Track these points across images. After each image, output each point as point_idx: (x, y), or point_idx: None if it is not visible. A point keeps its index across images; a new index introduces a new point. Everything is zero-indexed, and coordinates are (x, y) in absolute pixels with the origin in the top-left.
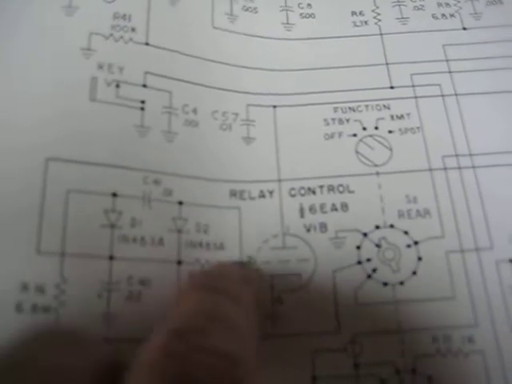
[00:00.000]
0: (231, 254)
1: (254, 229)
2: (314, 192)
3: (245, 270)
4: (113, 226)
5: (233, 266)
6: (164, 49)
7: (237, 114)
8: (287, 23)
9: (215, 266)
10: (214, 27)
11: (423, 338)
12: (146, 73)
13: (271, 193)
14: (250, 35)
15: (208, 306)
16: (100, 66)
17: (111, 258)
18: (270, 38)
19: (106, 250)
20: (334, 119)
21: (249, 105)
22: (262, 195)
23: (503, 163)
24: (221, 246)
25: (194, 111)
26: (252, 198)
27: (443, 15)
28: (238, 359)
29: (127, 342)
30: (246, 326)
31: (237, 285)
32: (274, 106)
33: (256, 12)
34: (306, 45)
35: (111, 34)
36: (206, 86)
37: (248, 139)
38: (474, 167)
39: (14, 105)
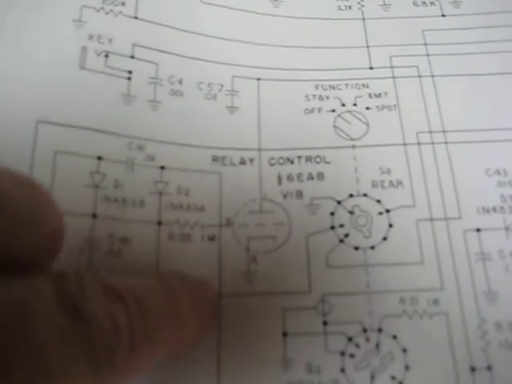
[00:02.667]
0: (210, 215)
1: (234, 193)
2: (292, 162)
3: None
4: (97, 187)
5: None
6: (152, 22)
7: (222, 85)
8: (275, 0)
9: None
10: (202, 2)
11: (391, 299)
12: (134, 45)
13: (251, 160)
14: (237, 9)
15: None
16: (90, 37)
17: (94, 216)
18: (258, 13)
19: (90, 209)
20: (314, 95)
21: (234, 76)
22: (242, 162)
23: (474, 140)
24: (201, 208)
25: (180, 82)
26: (233, 164)
27: (423, 3)
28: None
29: None
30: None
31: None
32: (258, 79)
33: None
34: (291, 23)
35: (102, 7)
36: (193, 58)
37: (232, 108)
38: (446, 143)
39: (8, 70)
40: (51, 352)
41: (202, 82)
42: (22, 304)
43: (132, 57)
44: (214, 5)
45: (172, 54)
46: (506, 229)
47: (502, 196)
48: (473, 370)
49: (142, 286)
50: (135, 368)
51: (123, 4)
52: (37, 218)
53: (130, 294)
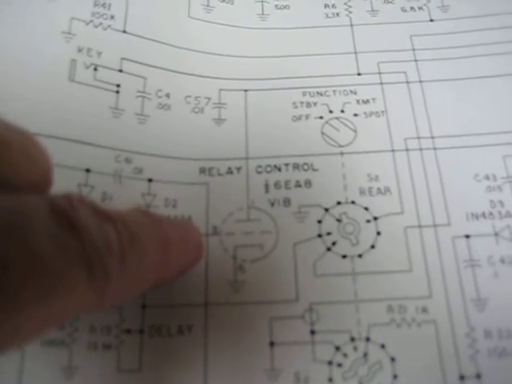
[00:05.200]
0: (197, 225)
1: (221, 202)
2: (279, 169)
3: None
4: None
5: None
6: (140, 37)
7: (209, 98)
8: (262, 14)
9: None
10: (190, 17)
11: (379, 308)
12: (123, 59)
13: (239, 169)
14: (225, 25)
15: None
16: (79, 50)
17: None
18: (245, 28)
19: None
20: (302, 102)
21: (221, 89)
22: (229, 171)
23: (463, 145)
24: (188, 218)
25: (167, 96)
26: (220, 174)
27: (412, 8)
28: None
29: None
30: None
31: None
32: (246, 90)
33: (232, 3)
34: (279, 34)
35: (91, 21)
36: (180, 73)
37: (219, 120)
38: (434, 149)
39: None
40: (48, 256)
41: (189, 96)
42: (19, 212)
43: (120, 70)
44: (201, 20)
45: (160, 68)
46: (496, 235)
47: (492, 201)
48: (462, 378)
49: (129, 213)
50: (127, 286)
51: (112, 18)
52: (28, 151)
53: (118, 218)
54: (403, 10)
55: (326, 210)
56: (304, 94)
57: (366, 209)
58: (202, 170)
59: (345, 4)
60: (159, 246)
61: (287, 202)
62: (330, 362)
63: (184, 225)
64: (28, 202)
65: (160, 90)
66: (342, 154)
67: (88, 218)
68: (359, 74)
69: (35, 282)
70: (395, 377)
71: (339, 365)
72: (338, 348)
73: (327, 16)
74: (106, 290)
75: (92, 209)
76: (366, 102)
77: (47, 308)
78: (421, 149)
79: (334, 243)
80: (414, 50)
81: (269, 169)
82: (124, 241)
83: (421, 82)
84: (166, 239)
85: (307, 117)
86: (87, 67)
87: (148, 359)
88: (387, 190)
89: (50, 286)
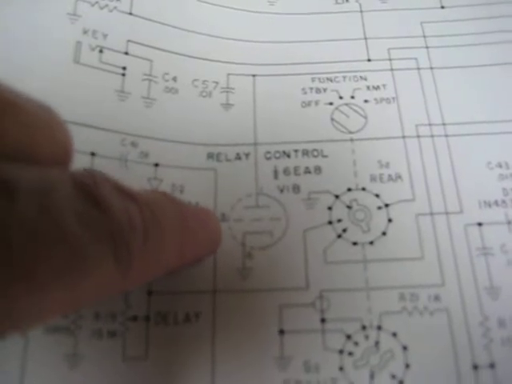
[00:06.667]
0: None
1: (229, 189)
2: (288, 155)
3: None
4: None
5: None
6: (147, 19)
7: (217, 83)
8: None
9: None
10: (198, 0)
11: (390, 295)
12: (129, 41)
13: (247, 155)
14: (233, 8)
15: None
16: (85, 32)
17: None
18: (253, 12)
19: None
20: (311, 88)
21: (229, 74)
22: (238, 157)
23: (475, 132)
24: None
25: (174, 79)
26: (228, 160)
27: None
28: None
29: None
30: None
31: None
32: (254, 75)
33: None
34: (287, 19)
35: (97, 2)
36: (188, 56)
37: (227, 105)
38: (446, 136)
39: (1, 62)
40: (75, 234)
41: (196, 80)
42: (45, 186)
43: (126, 53)
44: (209, 3)
45: (166, 51)
46: (509, 223)
47: (504, 189)
48: (475, 367)
49: (151, 194)
50: (147, 268)
51: None
52: (51, 127)
53: (141, 198)
54: None
55: (337, 196)
56: (313, 79)
57: (377, 196)
58: (210, 156)
59: None
60: (180, 230)
61: (296, 188)
62: (340, 351)
63: (205, 213)
64: (53, 176)
65: (167, 74)
66: (352, 140)
67: (112, 197)
68: (369, 60)
69: (60, 258)
70: (407, 366)
71: (350, 353)
72: (348, 336)
73: (336, 2)
74: (129, 271)
75: (116, 187)
76: (377, 88)
77: (70, 287)
78: (432, 135)
79: (344, 230)
80: (424, 36)
81: (278, 155)
82: (147, 221)
83: (432, 68)
84: (186, 223)
85: (317, 103)
86: (93, 49)
87: (154, 347)
88: (398, 176)
89: (74, 265)
